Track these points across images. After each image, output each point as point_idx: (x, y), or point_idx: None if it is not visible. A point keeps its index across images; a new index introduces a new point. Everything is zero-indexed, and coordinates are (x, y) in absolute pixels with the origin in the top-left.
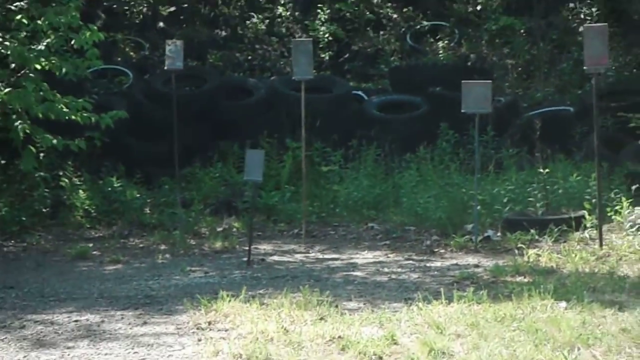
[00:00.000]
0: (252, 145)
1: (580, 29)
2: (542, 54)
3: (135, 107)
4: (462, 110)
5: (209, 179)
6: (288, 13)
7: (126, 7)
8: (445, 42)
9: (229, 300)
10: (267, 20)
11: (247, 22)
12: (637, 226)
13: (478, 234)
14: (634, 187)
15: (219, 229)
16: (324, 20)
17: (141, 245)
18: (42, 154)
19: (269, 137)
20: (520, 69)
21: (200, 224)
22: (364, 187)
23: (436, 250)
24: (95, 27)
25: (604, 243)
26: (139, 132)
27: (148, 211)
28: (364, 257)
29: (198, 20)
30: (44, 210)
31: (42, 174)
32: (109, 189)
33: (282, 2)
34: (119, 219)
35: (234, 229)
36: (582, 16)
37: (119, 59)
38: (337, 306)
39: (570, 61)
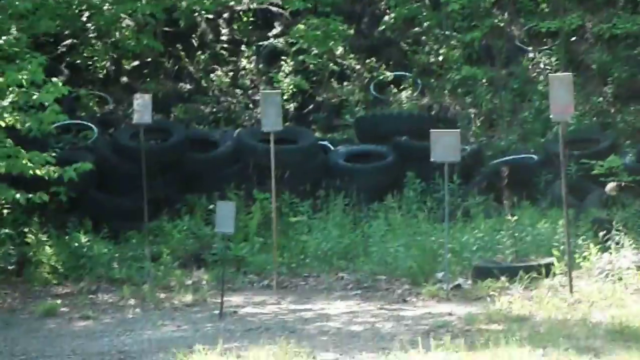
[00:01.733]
0: (219, 197)
1: (541, 77)
2: (504, 103)
3: (101, 162)
4: (432, 159)
5: (177, 232)
6: (252, 65)
7: (89, 62)
8: (409, 92)
9: (205, 354)
10: (231, 73)
11: (211, 75)
12: (606, 272)
13: (449, 282)
14: (601, 234)
15: (189, 282)
16: (287, 72)
17: (110, 301)
18: (6, 210)
19: (236, 188)
20: (482, 118)
21: (169, 277)
22: (333, 237)
23: (408, 299)
24: (60, 82)
25: (574, 290)
26: (105, 187)
27: (116, 266)
28: (336, 307)
29: (162, 74)
30: (9, 267)
31: (6, 230)
32: (76, 244)
33: (246, 55)
34: (87, 274)
35: (204, 282)
36: (542, 66)
37: (83, 113)
38: (314, 357)
39: (532, 110)
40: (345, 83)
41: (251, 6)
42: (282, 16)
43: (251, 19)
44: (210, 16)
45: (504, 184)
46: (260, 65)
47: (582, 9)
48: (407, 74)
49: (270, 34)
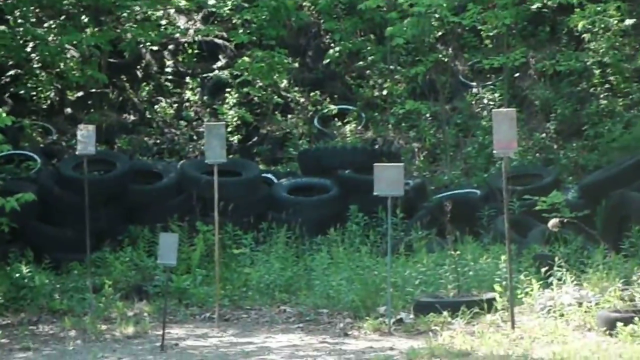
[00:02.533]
0: (162, 229)
1: (484, 113)
2: (447, 138)
3: (44, 192)
4: (375, 193)
5: (119, 263)
6: (196, 97)
7: (33, 93)
8: (353, 125)
9: None
10: (176, 105)
11: (156, 106)
12: (547, 308)
13: (391, 317)
14: (543, 270)
15: (130, 314)
16: (232, 104)
17: (51, 332)
18: None
19: (179, 220)
20: (426, 152)
21: (111, 309)
22: (275, 270)
23: (350, 333)
24: (3, 113)
25: (515, 325)
26: (47, 217)
27: (57, 297)
28: (278, 340)
29: (106, 105)
30: None
31: None
32: (17, 275)
33: (190, 86)
34: (28, 305)
35: (145, 314)
36: (485, 101)
37: (26, 144)
38: None
39: (475, 145)
40: (289, 116)
41: (196, 38)
42: (227, 48)
43: (196, 51)
44: (155, 48)
45: (447, 218)
46: (205, 97)
47: (525, 46)
48: (351, 107)
49: (215, 66)
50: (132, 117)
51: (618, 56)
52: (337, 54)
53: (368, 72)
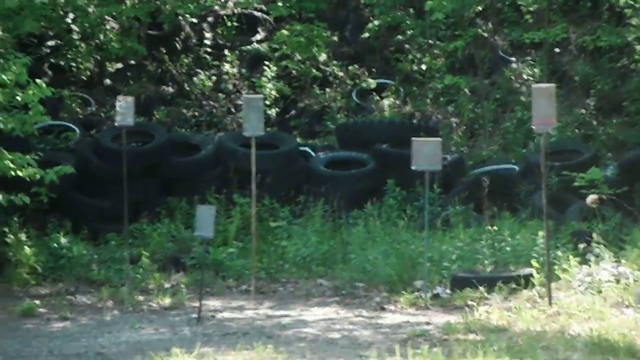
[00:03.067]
0: (200, 201)
1: (523, 88)
2: (486, 113)
3: (83, 163)
4: (413, 167)
5: (157, 234)
6: (235, 70)
7: (73, 64)
8: (391, 100)
9: (183, 357)
10: (214, 77)
11: (194, 78)
12: (585, 285)
13: (427, 291)
14: (581, 246)
15: (167, 285)
16: (270, 77)
17: (89, 302)
18: None
19: (217, 192)
20: (464, 127)
21: (148, 280)
22: (312, 244)
23: (386, 307)
24: (42, 83)
25: (553, 301)
26: (85, 188)
27: (95, 267)
28: (314, 313)
29: (145, 77)
30: None
31: None
32: (55, 245)
33: (229, 59)
34: (66, 275)
35: (182, 285)
36: (524, 76)
37: (65, 115)
38: None
39: (513, 120)
40: (327, 89)
41: (235, 11)
42: (266, 21)
43: (235, 23)
44: (194, 20)
45: (485, 193)
46: (243, 70)
47: (566, 21)
48: (389, 81)
49: (253, 39)
50: (170, 89)
51: None
52: (376, 27)
53: (407, 46)
